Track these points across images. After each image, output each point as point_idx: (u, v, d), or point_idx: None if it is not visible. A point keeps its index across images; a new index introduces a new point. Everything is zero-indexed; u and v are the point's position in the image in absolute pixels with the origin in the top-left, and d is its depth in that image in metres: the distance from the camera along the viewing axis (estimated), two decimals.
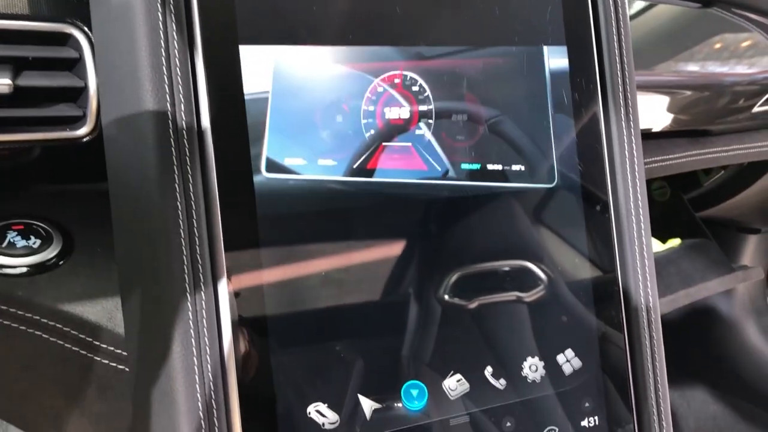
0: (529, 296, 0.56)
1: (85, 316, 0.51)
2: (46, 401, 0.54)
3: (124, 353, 0.50)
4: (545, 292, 0.57)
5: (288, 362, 0.47)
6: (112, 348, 0.50)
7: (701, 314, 1.44)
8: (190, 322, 0.44)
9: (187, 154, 0.45)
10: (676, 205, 1.27)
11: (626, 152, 0.61)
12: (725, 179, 1.23)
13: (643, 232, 0.61)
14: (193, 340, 0.44)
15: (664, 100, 0.95)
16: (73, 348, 0.51)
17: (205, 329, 0.45)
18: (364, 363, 0.50)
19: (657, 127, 0.98)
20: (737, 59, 0.99)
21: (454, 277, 0.54)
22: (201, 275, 0.45)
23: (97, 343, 0.51)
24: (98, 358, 0.50)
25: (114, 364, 0.50)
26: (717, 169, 1.23)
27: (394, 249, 0.53)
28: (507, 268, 0.56)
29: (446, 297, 0.53)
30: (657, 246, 1.24)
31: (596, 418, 0.58)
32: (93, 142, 0.52)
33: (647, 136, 0.97)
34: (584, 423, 0.57)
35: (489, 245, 0.56)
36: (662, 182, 1.29)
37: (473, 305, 0.54)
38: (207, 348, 0.45)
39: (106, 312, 0.51)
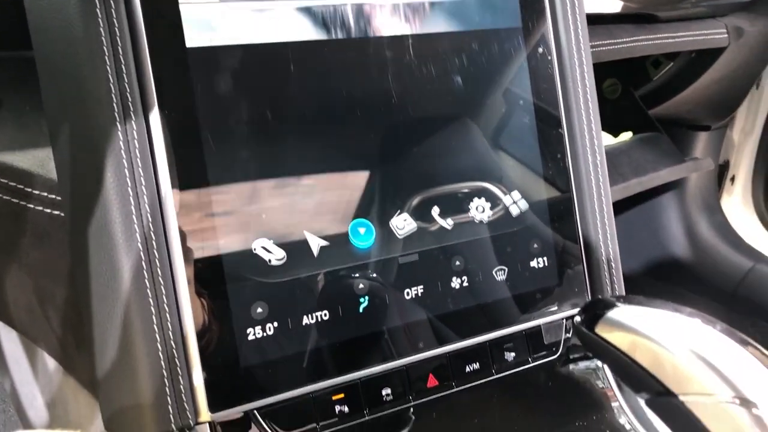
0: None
1: (15, 164, 0.49)
2: None
3: (58, 198, 0.48)
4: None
5: (229, 194, 0.47)
6: (45, 194, 0.49)
7: (656, 212, 1.47)
8: (122, 152, 0.43)
9: None
10: (627, 101, 1.28)
11: (572, 32, 0.61)
12: (674, 72, 1.24)
13: (587, 79, 0.61)
14: (126, 171, 0.43)
15: None
16: (4, 197, 0.49)
17: (138, 159, 0.43)
18: (311, 200, 0.50)
19: (605, 11, 0.98)
20: None
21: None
22: (130, 103, 0.43)
23: (29, 189, 0.49)
24: (31, 206, 0.49)
25: (48, 210, 0.48)
26: (665, 62, 1.24)
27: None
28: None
29: None
30: (609, 139, 1.25)
31: (545, 258, 0.58)
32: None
33: (595, 20, 0.97)
34: (533, 264, 0.58)
35: (444, 165, 0.55)
36: (613, 80, 1.29)
37: None
38: (142, 179, 0.44)
39: (37, 160, 0.49)
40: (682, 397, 0.31)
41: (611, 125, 1.27)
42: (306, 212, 0.49)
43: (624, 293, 0.61)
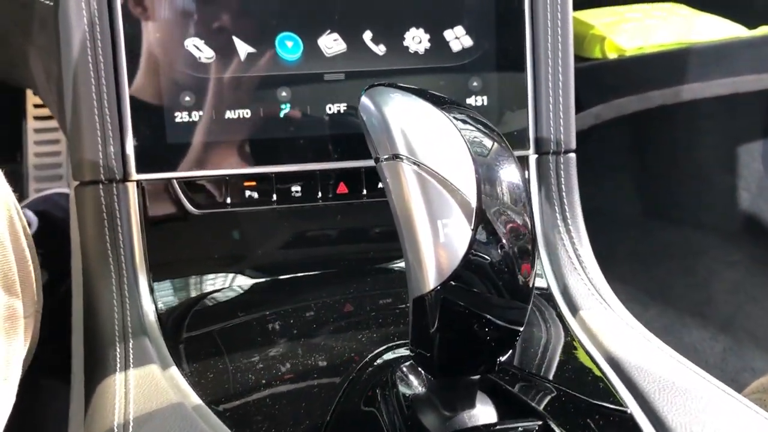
0: None
1: None
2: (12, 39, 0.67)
3: None
4: None
5: None
6: None
7: None
8: None
9: None
10: None
11: None
12: None
13: None
14: None
15: None
16: None
17: None
18: (242, 9, 0.56)
19: None
20: None
21: None
22: None
23: None
24: None
25: (47, 2, 0.60)
26: None
27: None
28: None
29: None
30: (742, 31, 1.10)
31: (485, 98, 0.59)
32: None
33: None
34: (470, 100, 0.59)
35: None
36: None
37: None
38: None
39: None
40: (381, 160, 0.36)
41: (753, 17, 1.13)
42: (236, 20, 0.56)
43: (573, 147, 0.60)
